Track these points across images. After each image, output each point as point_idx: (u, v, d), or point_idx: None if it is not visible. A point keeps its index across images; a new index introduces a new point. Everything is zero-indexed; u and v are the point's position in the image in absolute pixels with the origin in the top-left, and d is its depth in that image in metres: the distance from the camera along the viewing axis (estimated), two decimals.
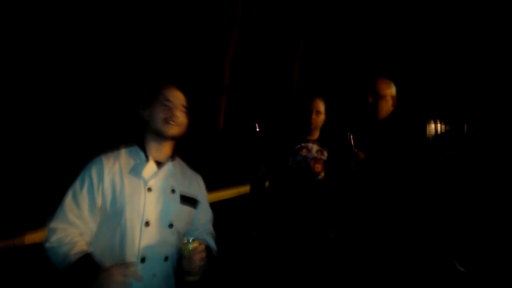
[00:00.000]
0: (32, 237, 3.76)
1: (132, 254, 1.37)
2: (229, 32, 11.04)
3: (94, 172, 1.42)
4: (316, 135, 2.41)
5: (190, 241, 1.38)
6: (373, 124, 2.20)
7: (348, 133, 2.16)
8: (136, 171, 1.46)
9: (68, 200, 1.38)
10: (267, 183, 2.46)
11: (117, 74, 9.39)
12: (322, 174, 2.35)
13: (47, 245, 1.32)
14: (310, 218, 2.29)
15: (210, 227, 1.68)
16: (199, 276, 1.39)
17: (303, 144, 2.38)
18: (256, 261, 2.38)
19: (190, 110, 1.59)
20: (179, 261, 1.43)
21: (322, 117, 2.37)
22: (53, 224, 1.34)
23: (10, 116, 7.47)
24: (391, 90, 2.16)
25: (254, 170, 2.47)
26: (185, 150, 1.78)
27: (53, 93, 8.39)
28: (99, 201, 1.39)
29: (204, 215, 1.67)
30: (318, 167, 2.36)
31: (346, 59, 13.89)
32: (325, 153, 2.38)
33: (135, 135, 1.58)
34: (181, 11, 10.82)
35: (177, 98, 1.54)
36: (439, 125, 22.51)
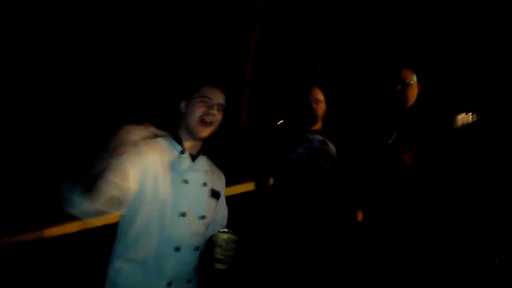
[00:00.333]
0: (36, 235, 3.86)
1: (167, 243, 1.44)
2: (251, 25, 10.98)
3: (138, 155, 1.41)
4: (318, 125, 2.33)
5: (224, 231, 1.47)
6: (403, 113, 2.16)
7: (393, 134, 2.09)
8: (173, 163, 1.51)
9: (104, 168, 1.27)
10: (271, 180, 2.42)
11: (133, 69, 9.48)
12: (327, 165, 2.26)
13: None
14: (317, 213, 2.22)
15: (224, 222, 1.76)
16: (228, 265, 1.45)
17: (305, 136, 2.30)
18: (264, 258, 2.35)
19: (226, 110, 1.63)
20: (208, 249, 1.51)
21: (322, 105, 2.32)
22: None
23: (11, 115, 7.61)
24: (415, 77, 2.17)
25: (257, 167, 2.42)
26: (208, 144, 1.79)
27: (55, 92, 8.51)
28: (137, 180, 1.40)
29: (222, 210, 1.74)
30: (321, 158, 2.27)
31: (369, 51, 13.57)
32: (330, 144, 2.29)
33: (170, 126, 1.62)
34: (204, 3, 10.83)
35: (217, 96, 1.58)
36: (470, 115, 21.76)
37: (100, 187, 1.25)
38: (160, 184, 1.45)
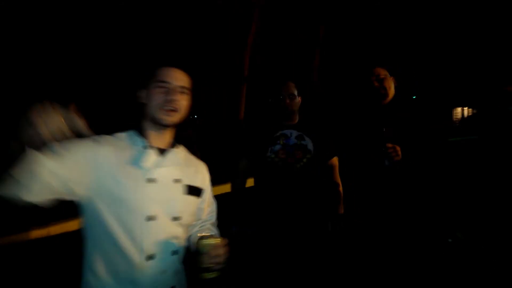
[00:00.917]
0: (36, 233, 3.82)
1: (138, 252, 1.26)
2: (248, 22, 10.97)
3: (91, 149, 1.23)
4: (295, 119, 2.32)
5: (207, 236, 1.30)
6: (382, 108, 2.21)
7: (383, 128, 2.11)
8: (134, 160, 1.31)
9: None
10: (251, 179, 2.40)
11: (131, 65, 9.43)
12: (304, 160, 2.28)
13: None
14: (297, 210, 2.21)
15: (213, 218, 1.57)
16: (218, 273, 1.29)
17: (281, 132, 2.30)
18: (241, 256, 2.33)
19: (193, 92, 1.42)
20: (193, 257, 1.32)
21: (296, 100, 2.30)
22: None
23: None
24: (387, 72, 2.23)
25: (234, 165, 2.39)
26: (207, 141, 1.77)
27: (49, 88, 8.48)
28: (83, 173, 1.20)
29: (208, 206, 1.55)
30: (299, 153, 2.26)
31: (369, 47, 13.58)
32: (307, 138, 2.29)
33: (132, 119, 1.43)
34: (201, 4, 10.80)
35: (176, 79, 1.36)
36: (466, 109, 21.91)
37: (33, 170, 1.07)
38: (119, 185, 1.25)
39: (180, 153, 1.47)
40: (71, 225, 3.90)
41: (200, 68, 10.40)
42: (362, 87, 2.28)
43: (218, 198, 1.65)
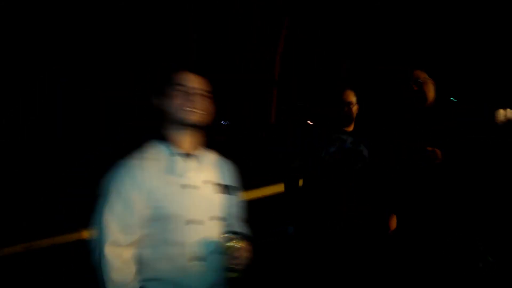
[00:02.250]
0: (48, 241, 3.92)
1: (182, 255, 1.33)
2: (279, 26, 11.00)
3: (127, 182, 1.32)
4: (351, 127, 2.33)
5: (229, 237, 1.34)
6: (421, 112, 2.17)
7: (419, 130, 2.08)
8: (165, 168, 1.36)
9: (109, 219, 1.27)
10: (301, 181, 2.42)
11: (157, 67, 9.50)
12: (359, 165, 2.28)
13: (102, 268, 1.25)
14: (350, 212, 2.22)
15: (242, 215, 1.60)
16: (240, 274, 1.33)
17: (337, 136, 2.31)
18: (296, 257, 2.35)
19: (214, 95, 1.44)
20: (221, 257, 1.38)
21: (355, 107, 2.31)
22: (103, 250, 1.25)
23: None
24: (426, 75, 2.20)
25: (287, 165, 2.42)
26: (238, 144, 1.80)
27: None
28: (141, 210, 1.31)
29: (237, 203, 1.58)
30: (354, 158, 2.27)
31: (403, 51, 13.26)
32: (361, 145, 2.30)
33: (153, 129, 1.46)
34: (232, 3, 10.90)
35: (193, 82, 1.39)
36: (509, 110, 20.88)
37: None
38: (157, 196, 1.32)
39: (207, 155, 1.50)
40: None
41: (230, 73, 10.51)
42: (401, 92, 2.25)
43: (253, 201, 1.68)
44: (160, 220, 1.32)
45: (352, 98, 2.32)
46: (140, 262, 1.33)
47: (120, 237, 1.27)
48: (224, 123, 11.30)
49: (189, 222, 1.34)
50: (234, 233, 1.35)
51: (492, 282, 2.15)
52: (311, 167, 2.32)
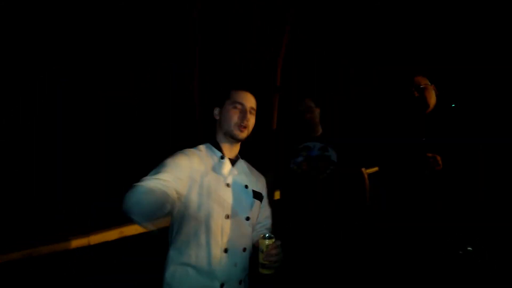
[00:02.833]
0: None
1: (216, 246, 1.52)
2: (281, 31, 11.02)
3: (185, 160, 1.51)
4: (318, 132, 2.29)
5: (267, 236, 1.51)
6: (423, 118, 2.16)
7: (422, 139, 2.06)
8: (215, 168, 1.60)
9: (161, 171, 1.41)
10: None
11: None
12: (327, 171, 2.21)
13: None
14: (320, 221, 2.17)
15: (269, 222, 1.83)
16: (274, 270, 1.50)
17: (304, 144, 2.27)
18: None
19: (257, 113, 1.70)
20: (254, 253, 1.58)
21: (316, 112, 2.26)
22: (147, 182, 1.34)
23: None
24: (428, 81, 2.26)
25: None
26: (241, 150, 1.80)
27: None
28: (185, 187, 1.47)
29: (265, 210, 1.82)
30: (322, 165, 2.20)
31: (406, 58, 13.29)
32: (330, 149, 2.23)
33: (207, 133, 1.72)
34: (233, 9, 10.97)
35: (248, 100, 1.65)
36: None
37: (159, 188, 1.34)
38: (205, 188, 1.52)
39: (245, 163, 1.78)
40: (111, 235, 4.02)
41: (232, 76, 10.54)
42: (402, 98, 2.24)
43: None
44: (202, 210, 1.51)
45: (310, 103, 2.28)
46: (178, 248, 1.50)
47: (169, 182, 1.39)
48: None
49: (228, 216, 1.56)
50: (270, 234, 1.53)
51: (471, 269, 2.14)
52: (283, 179, 2.31)
